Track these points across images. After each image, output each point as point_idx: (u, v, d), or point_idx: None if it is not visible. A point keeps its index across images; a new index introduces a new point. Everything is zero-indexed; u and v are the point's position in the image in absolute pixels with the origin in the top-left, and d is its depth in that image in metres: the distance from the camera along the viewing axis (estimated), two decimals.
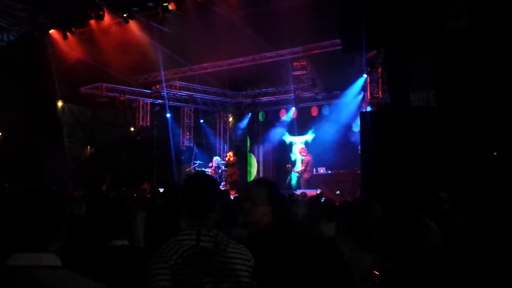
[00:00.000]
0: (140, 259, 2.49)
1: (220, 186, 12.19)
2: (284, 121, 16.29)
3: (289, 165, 14.38)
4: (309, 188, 12.33)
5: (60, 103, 15.52)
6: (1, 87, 13.47)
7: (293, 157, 15.29)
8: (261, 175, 16.18)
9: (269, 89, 16.80)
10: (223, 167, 14.65)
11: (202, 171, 12.86)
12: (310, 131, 15.07)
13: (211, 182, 2.30)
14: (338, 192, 10.06)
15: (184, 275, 1.95)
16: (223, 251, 2.02)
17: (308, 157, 13.27)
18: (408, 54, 8.35)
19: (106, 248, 2.48)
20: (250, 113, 17.47)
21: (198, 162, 15.40)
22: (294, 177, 13.86)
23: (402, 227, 1.53)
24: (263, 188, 2.57)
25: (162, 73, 14.43)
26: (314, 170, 13.23)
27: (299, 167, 13.87)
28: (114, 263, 2.34)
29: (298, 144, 15.12)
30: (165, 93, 15.44)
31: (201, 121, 17.73)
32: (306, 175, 13.02)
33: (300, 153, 13.82)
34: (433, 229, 1.51)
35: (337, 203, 5.91)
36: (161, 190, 7.82)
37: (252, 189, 2.58)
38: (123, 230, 2.58)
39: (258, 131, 17.28)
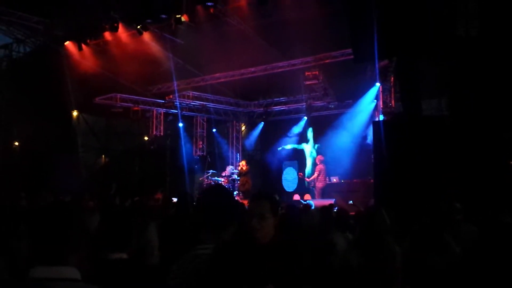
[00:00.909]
0: (135, 272, 2.49)
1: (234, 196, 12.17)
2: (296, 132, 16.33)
3: (301, 173, 14.27)
4: (323, 198, 12.30)
5: (75, 113, 15.78)
6: (17, 98, 13.76)
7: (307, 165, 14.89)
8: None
9: (281, 98, 16.88)
10: (235, 176, 14.70)
11: (218, 184, 12.87)
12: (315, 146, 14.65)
13: (227, 195, 2.33)
14: (351, 202, 10.03)
15: None
16: None
17: (322, 165, 13.21)
18: (419, 63, 8.34)
19: (102, 262, 2.43)
20: (263, 122, 17.54)
21: (211, 171, 15.47)
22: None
23: None
24: (268, 202, 2.60)
25: (175, 83, 14.60)
26: (328, 179, 13.19)
27: (310, 175, 13.72)
28: (110, 277, 2.31)
29: (308, 151, 14.78)
30: (177, 103, 15.61)
31: (214, 130, 17.84)
32: (319, 184, 12.96)
33: (316, 160, 13.68)
34: None
35: (351, 213, 5.91)
36: (174, 200, 7.86)
37: (258, 204, 2.57)
38: (121, 242, 2.58)
39: (270, 140, 17.30)
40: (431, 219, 4.03)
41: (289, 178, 16.11)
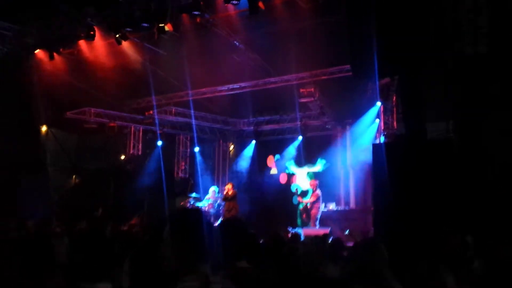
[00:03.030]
0: None
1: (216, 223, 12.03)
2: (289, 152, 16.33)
3: (300, 196, 14.05)
4: (318, 226, 12.27)
5: (44, 128, 15.64)
6: None
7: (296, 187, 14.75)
8: None
9: (273, 116, 16.90)
10: (219, 201, 14.57)
11: (196, 210, 12.72)
12: (319, 161, 14.64)
13: (208, 226, 2.40)
14: (347, 232, 10.00)
15: None
16: None
17: (318, 191, 13.17)
18: (424, 82, 8.41)
19: None
20: (254, 140, 17.49)
21: (193, 194, 15.35)
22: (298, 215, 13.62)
23: None
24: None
25: (154, 97, 14.60)
26: (324, 206, 13.15)
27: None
28: None
29: (301, 175, 14.76)
30: (156, 119, 15.57)
31: (198, 150, 17.78)
32: (314, 211, 12.92)
33: (310, 186, 13.62)
34: None
35: (347, 244, 5.88)
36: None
37: None
38: (107, 272, 2.61)
39: (261, 162, 17.26)
40: (432, 255, 4.01)
41: None
